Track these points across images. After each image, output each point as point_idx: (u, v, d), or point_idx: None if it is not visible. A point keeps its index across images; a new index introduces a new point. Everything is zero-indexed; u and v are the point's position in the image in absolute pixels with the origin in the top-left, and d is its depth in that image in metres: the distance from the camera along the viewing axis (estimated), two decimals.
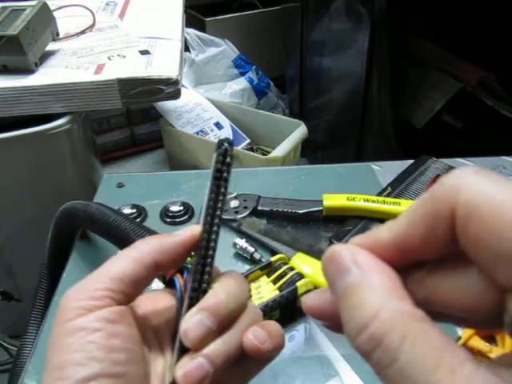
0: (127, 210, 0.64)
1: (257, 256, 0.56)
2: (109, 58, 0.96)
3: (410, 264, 0.18)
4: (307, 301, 0.21)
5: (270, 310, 0.47)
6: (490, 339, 0.46)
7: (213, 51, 1.74)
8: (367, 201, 0.61)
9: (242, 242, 0.57)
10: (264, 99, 1.81)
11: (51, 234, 0.58)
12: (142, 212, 0.65)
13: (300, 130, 1.40)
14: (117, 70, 0.91)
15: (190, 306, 0.25)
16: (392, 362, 0.15)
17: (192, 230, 0.26)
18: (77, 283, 0.25)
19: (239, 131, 1.52)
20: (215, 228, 0.26)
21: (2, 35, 0.84)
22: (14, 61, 0.88)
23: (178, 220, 0.64)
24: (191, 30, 1.70)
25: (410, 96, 1.36)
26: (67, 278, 0.56)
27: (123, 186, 0.71)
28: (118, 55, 0.98)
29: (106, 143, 1.78)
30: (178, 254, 0.26)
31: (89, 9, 1.15)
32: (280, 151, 1.30)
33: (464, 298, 0.17)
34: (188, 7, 1.48)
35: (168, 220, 0.64)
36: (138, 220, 0.63)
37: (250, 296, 0.48)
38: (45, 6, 0.94)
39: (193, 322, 0.24)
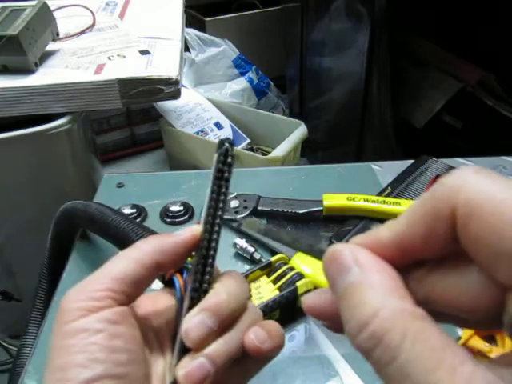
0: (127, 210, 0.64)
1: (257, 256, 0.56)
2: (109, 58, 0.96)
3: (410, 263, 0.18)
4: (307, 300, 0.21)
5: (270, 310, 0.47)
6: (490, 339, 0.46)
7: (213, 51, 1.74)
8: (367, 201, 0.61)
9: (242, 242, 0.57)
10: (264, 99, 1.81)
11: (51, 234, 0.58)
12: (141, 212, 0.65)
13: (300, 130, 1.40)
14: (117, 70, 0.91)
15: (190, 306, 0.25)
16: (392, 360, 0.15)
17: (193, 230, 0.26)
18: (77, 284, 0.25)
19: (239, 131, 1.52)
20: (216, 228, 0.26)
21: (2, 35, 0.84)
22: (14, 61, 0.88)
23: (177, 220, 0.64)
24: (191, 30, 1.70)
25: (410, 96, 1.36)
26: (67, 278, 0.56)
27: (123, 186, 0.71)
28: (118, 55, 0.98)
29: (105, 143, 1.78)
30: (179, 254, 0.26)
31: (89, 9, 1.15)
32: (280, 151, 1.30)
33: (464, 297, 0.17)
34: (188, 7, 1.48)
35: (168, 220, 0.64)
36: (138, 220, 0.63)
37: (250, 296, 0.48)
38: (45, 5, 0.94)
39: (194, 322, 0.24)
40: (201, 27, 1.82)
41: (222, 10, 1.91)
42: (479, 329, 0.44)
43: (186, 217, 0.64)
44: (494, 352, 0.44)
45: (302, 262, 0.53)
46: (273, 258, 0.53)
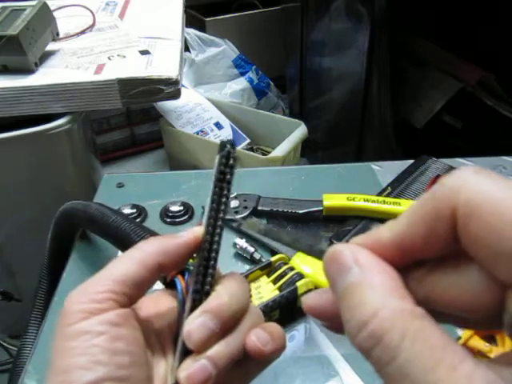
0: (127, 210, 0.64)
1: (257, 256, 0.56)
2: (109, 58, 0.96)
3: (410, 263, 0.18)
4: (307, 300, 0.21)
5: (269, 310, 0.47)
6: (490, 339, 0.46)
7: (213, 51, 1.74)
8: (367, 201, 0.61)
9: (242, 242, 0.57)
10: (264, 99, 1.81)
11: (51, 234, 0.58)
12: (142, 212, 0.65)
13: (300, 130, 1.40)
14: (117, 70, 0.91)
15: (192, 308, 0.25)
16: (392, 359, 0.15)
17: (195, 232, 0.26)
18: (79, 286, 0.25)
19: (239, 131, 1.52)
20: (218, 230, 0.26)
21: (2, 35, 0.84)
22: (14, 61, 0.88)
23: (177, 220, 0.64)
24: (191, 30, 1.70)
25: (410, 96, 1.36)
26: (67, 278, 0.56)
27: (123, 186, 0.71)
28: (118, 55, 0.98)
29: (105, 143, 1.78)
30: (181, 256, 0.26)
31: (89, 9, 1.15)
32: (280, 151, 1.30)
33: (464, 296, 0.17)
34: (188, 7, 1.48)
35: (168, 220, 0.64)
36: (137, 220, 0.63)
37: (251, 296, 0.48)
38: (45, 5, 0.94)
39: (196, 325, 0.24)
40: (201, 27, 1.82)
41: (221, 10, 1.91)
42: (480, 329, 0.44)
43: (185, 217, 0.64)
44: (494, 352, 0.44)
45: (302, 262, 0.53)
46: (273, 258, 0.53)
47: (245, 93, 1.75)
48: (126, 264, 0.25)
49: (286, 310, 0.48)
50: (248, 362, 0.26)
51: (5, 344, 1.09)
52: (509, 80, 1.25)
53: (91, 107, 0.91)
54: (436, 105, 1.32)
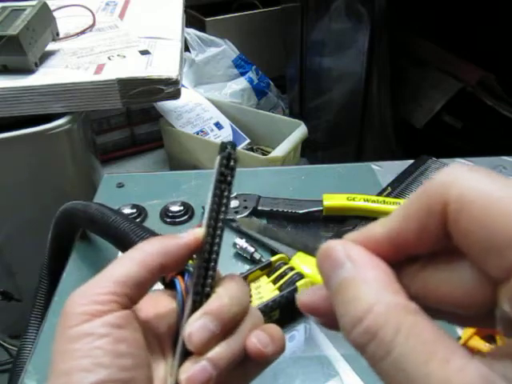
0: (127, 210, 0.64)
1: (257, 256, 0.56)
2: (109, 58, 0.96)
3: (403, 259, 0.19)
4: (302, 297, 0.21)
5: (269, 310, 0.47)
6: (490, 339, 0.46)
7: (213, 51, 1.74)
8: (367, 201, 0.61)
9: (242, 242, 0.57)
10: (264, 99, 1.81)
11: (51, 234, 0.58)
12: (142, 212, 0.65)
13: (300, 130, 1.40)
14: (117, 70, 0.91)
15: (193, 310, 0.25)
16: (386, 354, 0.15)
17: (196, 233, 0.26)
18: (80, 287, 0.25)
19: (239, 131, 1.52)
20: (218, 232, 0.26)
21: (2, 35, 0.84)
22: (14, 61, 0.88)
23: (177, 220, 0.64)
24: (191, 30, 1.70)
25: (410, 96, 1.36)
26: (67, 278, 0.56)
27: (123, 186, 0.71)
28: (118, 55, 0.98)
29: (105, 143, 1.78)
30: (181, 257, 0.26)
31: (89, 9, 1.15)
32: (280, 151, 1.30)
33: (457, 292, 0.17)
34: (188, 7, 1.48)
35: (168, 220, 0.64)
36: (138, 220, 0.63)
37: (251, 296, 0.48)
38: (45, 5, 0.94)
39: (196, 327, 0.24)
40: (201, 27, 1.82)
41: (222, 10, 1.91)
42: (476, 326, 0.44)
43: (186, 217, 0.64)
44: None
45: (302, 262, 0.53)
46: (273, 258, 0.53)
47: (245, 93, 1.75)
48: (127, 265, 0.25)
49: (286, 310, 0.48)
50: (247, 363, 0.26)
51: (5, 344, 1.09)
52: (509, 80, 1.25)
53: (91, 107, 0.91)
54: (436, 105, 1.32)
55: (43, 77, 0.89)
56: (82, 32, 1.10)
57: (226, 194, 0.26)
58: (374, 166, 0.74)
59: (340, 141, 1.58)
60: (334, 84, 1.49)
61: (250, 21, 1.94)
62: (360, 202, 0.61)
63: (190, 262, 0.27)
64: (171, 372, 0.25)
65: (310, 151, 1.67)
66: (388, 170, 0.72)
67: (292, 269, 0.51)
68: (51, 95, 0.87)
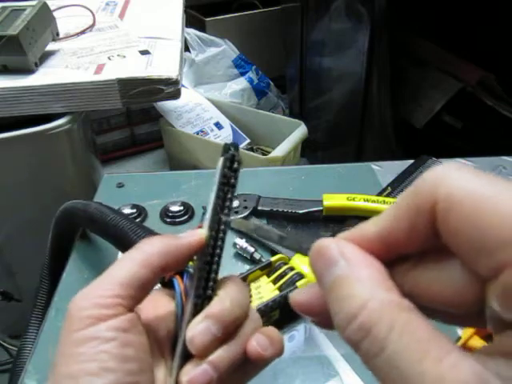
0: (127, 210, 0.64)
1: (257, 256, 0.56)
2: (109, 58, 0.96)
3: (395, 258, 0.19)
4: (295, 296, 0.21)
5: (269, 310, 0.47)
6: (490, 339, 0.46)
7: (213, 51, 1.74)
8: (367, 201, 0.61)
9: (242, 242, 0.57)
10: (264, 99, 1.81)
11: (51, 234, 0.58)
12: (142, 212, 0.65)
13: (300, 130, 1.40)
14: (117, 70, 0.91)
15: (194, 313, 0.25)
16: (380, 351, 0.15)
17: (199, 234, 0.26)
18: (83, 289, 0.24)
19: (239, 131, 1.52)
20: (221, 234, 0.26)
21: (2, 35, 0.84)
22: (14, 61, 0.88)
23: (178, 220, 0.64)
24: (191, 30, 1.70)
25: (410, 96, 1.36)
26: (67, 278, 0.56)
27: (123, 186, 0.71)
28: (118, 55, 0.98)
29: (105, 143, 1.78)
30: (183, 258, 0.26)
31: (89, 9, 1.15)
32: (280, 151, 1.30)
33: (447, 290, 0.17)
34: (188, 7, 1.48)
35: (168, 220, 0.64)
36: (138, 220, 0.63)
37: (251, 296, 0.48)
38: (45, 5, 0.94)
39: (198, 330, 0.24)
40: (201, 27, 1.82)
41: (222, 10, 1.91)
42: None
43: (186, 217, 0.64)
44: None
45: (302, 262, 0.53)
46: (273, 258, 0.53)
47: (245, 93, 1.75)
48: (130, 266, 0.25)
49: (286, 310, 0.48)
50: (246, 364, 0.26)
51: (5, 344, 1.09)
52: (509, 80, 1.25)
53: (91, 107, 0.91)
54: (436, 105, 1.32)
55: (43, 77, 0.89)
56: (82, 32, 1.10)
57: (229, 196, 0.25)
58: (374, 165, 0.74)
59: (340, 141, 1.58)
60: (334, 84, 1.49)
61: (249, 21, 1.94)
62: (360, 201, 0.61)
63: (190, 263, 0.27)
64: (170, 373, 0.25)
65: (310, 151, 1.67)
66: (388, 169, 0.72)
67: (292, 269, 0.51)
68: (51, 95, 0.87)
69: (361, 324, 0.16)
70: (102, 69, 0.92)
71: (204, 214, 0.62)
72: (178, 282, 0.27)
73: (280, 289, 0.50)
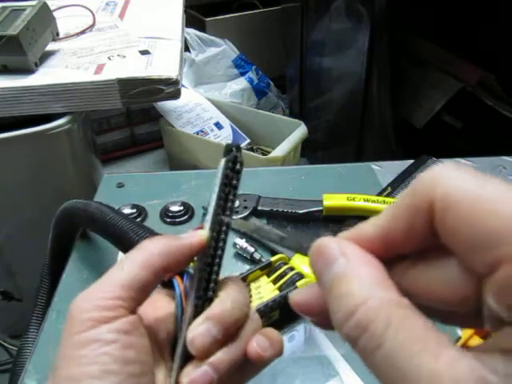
0: (127, 210, 0.64)
1: (257, 256, 0.56)
2: (109, 58, 0.96)
3: (394, 257, 0.19)
4: (295, 296, 0.21)
5: (269, 310, 0.47)
6: None
7: (213, 51, 1.74)
8: (367, 201, 0.61)
9: (242, 242, 0.57)
10: (264, 99, 1.81)
11: (52, 234, 0.58)
12: (142, 212, 0.65)
13: (300, 130, 1.40)
14: (117, 70, 0.91)
15: (195, 315, 0.25)
16: (377, 348, 0.15)
17: (200, 236, 0.26)
18: (84, 291, 0.24)
19: (239, 131, 1.52)
20: (223, 236, 0.25)
21: (2, 35, 0.84)
22: (14, 61, 0.88)
23: (178, 220, 0.64)
24: (191, 30, 1.70)
25: (410, 96, 1.36)
26: (67, 278, 0.56)
27: (123, 186, 0.71)
28: (118, 55, 0.98)
29: (105, 143, 1.78)
30: (184, 258, 0.26)
31: (89, 9, 1.15)
32: (280, 151, 1.30)
33: (445, 289, 0.17)
34: (188, 7, 1.47)
35: (168, 220, 0.64)
36: (138, 220, 0.63)
37: (251, 297, 0.48)
38: (45, 5, 0.94)
39: (199, 332, 0.24)
40: (201, 27, 1.82)
41: (222, 10, 1.91)
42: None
43: (185, 217, 0.64)
44: None
45: (302, 262, 0.53)
46: (273, 258, 0.53)
47: (245, 93, 1.75)
48: (131, 267, 0.25)
49: (286, 310, 0.48)
50: (246, 366, 0.26)
51: (5, 344, 1.09)
52: (509, 80, 1.25)
53: (91, 107, 0.91)
54: (436, 105, 1.32)
55: (43, 77, 0.89)
56: (82, 32, 1.10)
57: (230, 197, 0.25)
58: (374, 165, 0.74)
59: (340, 141, 1.58)
60: (334, 84, 1.49)
61: (250, 21, 1.94)
62: (360, 201, 0.61)
63: (191, 264, 0.27)
64: (171, 375, 0.25)
65: (310, 151, 1.67)
66: (388, 169, 0.72)
67: (292, 269, 0.51)
68: (51, 95, 0.87)
69: (358, 321, 0.16)
70: (102, 69, 0.92)
71: (204, 214, 0.62)
72: (178, 283, 0.27)
73: (280, 289, 0.50)
